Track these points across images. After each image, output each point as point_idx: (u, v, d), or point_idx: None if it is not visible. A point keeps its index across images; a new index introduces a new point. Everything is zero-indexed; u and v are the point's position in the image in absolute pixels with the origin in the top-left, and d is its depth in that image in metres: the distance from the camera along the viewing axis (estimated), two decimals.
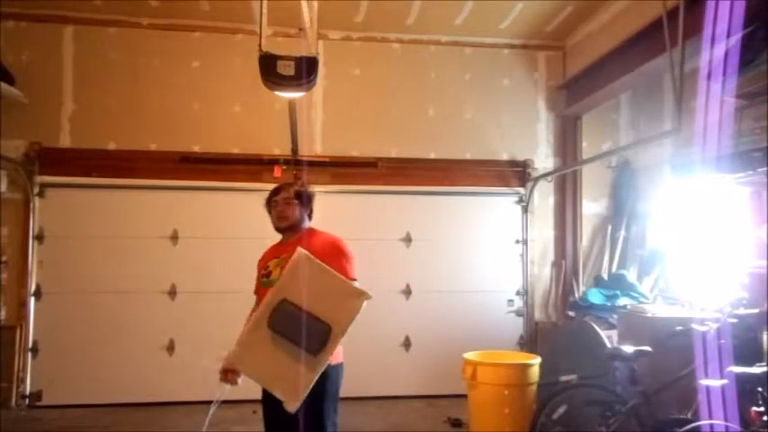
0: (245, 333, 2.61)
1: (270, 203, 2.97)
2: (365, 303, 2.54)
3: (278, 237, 3.02)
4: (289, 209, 2.90)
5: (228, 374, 2.71)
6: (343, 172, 6.18)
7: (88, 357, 5.67)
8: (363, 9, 5.80)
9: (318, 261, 2.61)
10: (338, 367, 2.82)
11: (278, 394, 2.51)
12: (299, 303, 2.50)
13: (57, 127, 5.83)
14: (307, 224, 2.98)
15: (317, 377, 2.50)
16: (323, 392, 2.68)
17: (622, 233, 6.20)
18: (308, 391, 2.49)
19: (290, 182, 3.04)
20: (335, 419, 2.79)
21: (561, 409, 3.92)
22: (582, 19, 5.99)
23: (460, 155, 6.40)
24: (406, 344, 6.20)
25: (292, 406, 2.47)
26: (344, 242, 2.87)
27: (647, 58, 4.91)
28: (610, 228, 6.35)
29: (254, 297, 2.96)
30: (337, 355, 2.79)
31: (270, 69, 3.59)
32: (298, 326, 2.46)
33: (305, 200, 2.96)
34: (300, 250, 2.60)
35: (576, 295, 6.07)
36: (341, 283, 2.62)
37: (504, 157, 6.50)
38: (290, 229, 2.92)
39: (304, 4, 3.82)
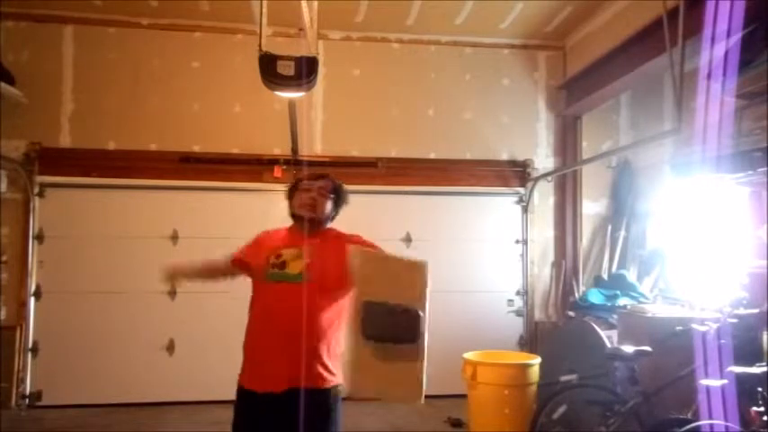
0: (349, 362, 2.36)
1: (298, 186, 2.66)
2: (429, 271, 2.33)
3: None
4: (322, 199, 2.60)
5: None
6: (343, 172, 6.01)
7: (88, 357, 5.66)
8: (363, 9, 5.79)
9: (370, 249, 2.44)
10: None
11: (399, 400, 2.35)
12: (380, 300, 2.26)
13: (57, 127, 5.83)
14: (329, 225, 2.71)
15: (425, 361, 2.26)
16: (328, 412, 2.47)
17: (622, 233, 6.20)
18: (425, 377, 2.26)
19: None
20: None
21: (561, 409, 3.93)
22: (582, 19, 5.99)
23: (460, 155, 6.40)
24: None
25: (420, 401, 2.27)
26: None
27: (647, 58, 4.90)
28: (610, 228, 6.35)
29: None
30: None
31: (270, 69, 3.58)
32: (391, 323, 2.25)
33: (340, 200, 2.70)
34: (353, 246, 2.42)
35: (576, 295, 6.07)
36: (399, 261, 2.39)
37: (504, 157, 6.49)
38: (311, 222, 2.57)
39: (304, 4, 3.81)
